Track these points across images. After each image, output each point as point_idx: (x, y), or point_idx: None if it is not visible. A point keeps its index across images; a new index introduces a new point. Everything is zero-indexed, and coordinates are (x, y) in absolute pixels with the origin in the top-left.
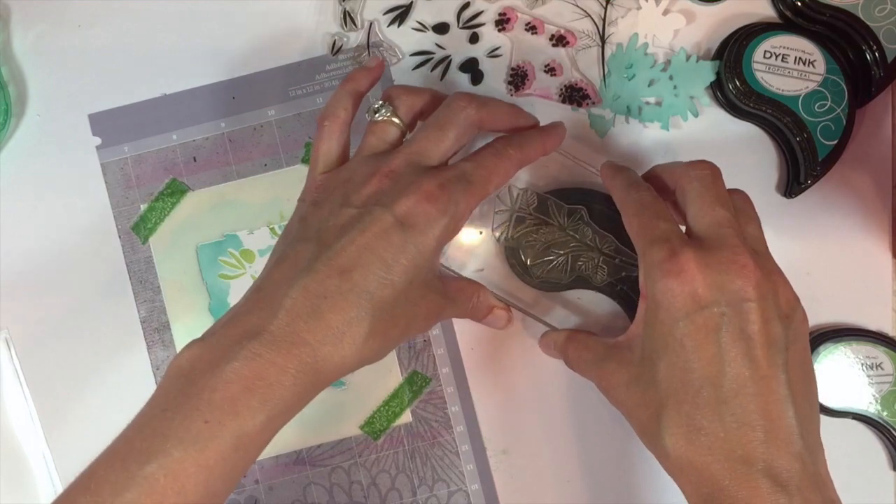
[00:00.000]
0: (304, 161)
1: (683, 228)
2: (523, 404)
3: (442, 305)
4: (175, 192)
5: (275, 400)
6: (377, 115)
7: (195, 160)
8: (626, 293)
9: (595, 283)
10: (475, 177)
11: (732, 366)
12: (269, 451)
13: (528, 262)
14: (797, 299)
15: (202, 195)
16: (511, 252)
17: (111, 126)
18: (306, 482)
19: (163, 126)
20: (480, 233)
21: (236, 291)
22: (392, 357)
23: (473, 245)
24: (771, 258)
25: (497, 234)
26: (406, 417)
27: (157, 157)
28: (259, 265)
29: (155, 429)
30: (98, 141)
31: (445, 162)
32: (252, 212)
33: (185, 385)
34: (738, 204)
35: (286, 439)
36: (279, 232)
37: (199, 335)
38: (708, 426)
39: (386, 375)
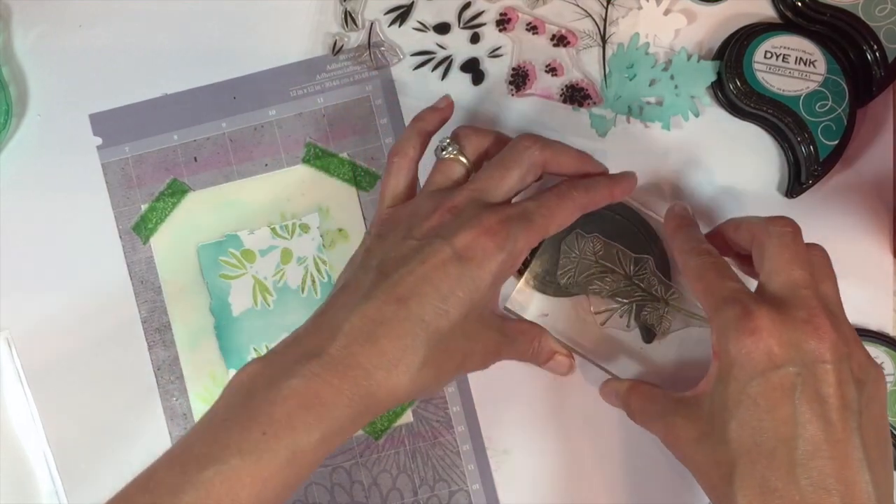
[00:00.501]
0: (305, 161)
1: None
2: (524, 404)
3: (501, 344)
4: (176, 192)
5: (329, 419)
6: (444, 154)
7: (196, 160)
8: (691, 347)
9: (660, 334)
10: (536, 216)
11: (808, 427)
12: None
13: (593, 310)
14: (871, 362)
15: (203, 195)
16: (576, 300)
17: (112, 126)
18: (307, 482)
19: (164, 126)
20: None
21: (237, 291)
22: None
23: (538, 290)
24: (846, 320)
25: (562, 281)
26: (407, 417)
27: (158, 157)
28: (260, 265)
29: (214, 437)
30: (99, 141)
31: (509, 201)
32: (253, 212)
33: (245, 398)
34: (816, 261)
35: None
36: (280, 232)
37: (200, 335)
38: (783, 489)
39: None
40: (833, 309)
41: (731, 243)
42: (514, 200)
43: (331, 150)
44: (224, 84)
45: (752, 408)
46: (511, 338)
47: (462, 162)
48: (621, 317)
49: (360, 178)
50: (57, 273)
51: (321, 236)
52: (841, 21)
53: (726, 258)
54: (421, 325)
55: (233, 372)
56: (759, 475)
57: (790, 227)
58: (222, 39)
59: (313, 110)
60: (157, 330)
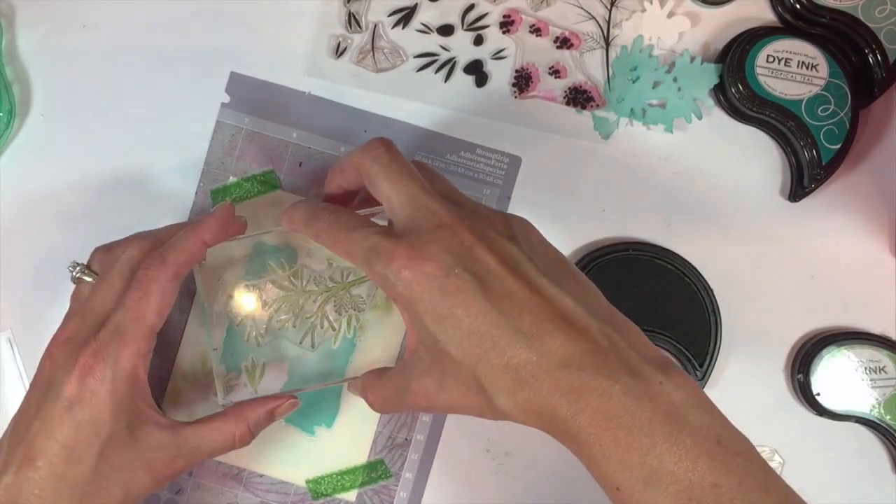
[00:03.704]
0: None
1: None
2: None
3: (175, 458)
4: (267, 182)
5: None
6: (74, 275)
7: (300, 165)
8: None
9: (370, 305)
10: (126, 323)
11: (492, 302)
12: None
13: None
14: (508, 217)
15: (288, 199)
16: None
17: (245, 93)
18: (233, 500)
19: (290, 119)
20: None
21: None
22: (369, 435)
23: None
24: (467, 199)
25: (256, 342)
26: (351, 496)
27: (269, 144)
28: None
29: None
30: (226, 99)
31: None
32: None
33: None
34: (421, 169)
35: (234, 451)
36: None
37: (210, 324)
38: (517, 356)
39: (355, 448)
40: (454, 198)
41: (348, 187)
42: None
43: None
44: (362, 114)
45: (453, 320)
46: (194, 445)
47: (88, 281)
48: (322, 326)
49: None
50: (60, 272)
51: (368, 296)
52: (840, 23)
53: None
54: (56, 479)
55: (222, 366)
56: (499, 366)
57: (383, 147)
58: (221, 38)
59: None
60: (181, 293)
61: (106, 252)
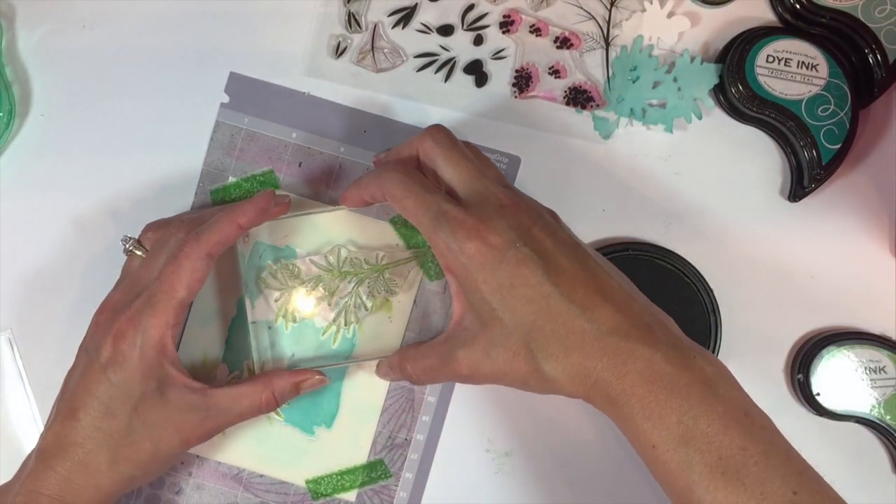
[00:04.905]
0: (394, 222)
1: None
2: (526, 407)
3: (205, 419)
4: (267, 182)
5: None
6: (126, 247)
7: (300, 165)
8: (391, 287)
9: (369, 308)
10: (158, 294)
11: (548, 275)
12: (215, 454)
13: (329, 321)
14: (553, 211)
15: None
16: (303, 327)
17: (245, 93)
18: (232, 500)
19: (290, 120)
20: (269, 327)
21: (266, 299)
22: (369, 435)
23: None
24: (513, 186)
25: (285, 317)
26: (351, 496)
27: (268, 144)
28: (300, 288)
29: None
30: (226, 99)
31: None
32: (320, 238)
33: None
34: (472, 152)
35: (234, 452)
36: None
37: (216, 318)
38: (571, 328)
39: (354, 448)
40: (505, 184)
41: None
42: None
43: None
44: (362, 114)
45: (510, 290)
46: (224, 407)
47: (138, 255)
48: (357, 307)
49: (431, 266)
50: (59, 272)
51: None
52: (840, 23)
53: None
54: (95, 430)
55: (224, 366)
56: (550, 332)
57: (444, 131)
58: (220, 39)
59: None
60: None
61: (157, 230)
